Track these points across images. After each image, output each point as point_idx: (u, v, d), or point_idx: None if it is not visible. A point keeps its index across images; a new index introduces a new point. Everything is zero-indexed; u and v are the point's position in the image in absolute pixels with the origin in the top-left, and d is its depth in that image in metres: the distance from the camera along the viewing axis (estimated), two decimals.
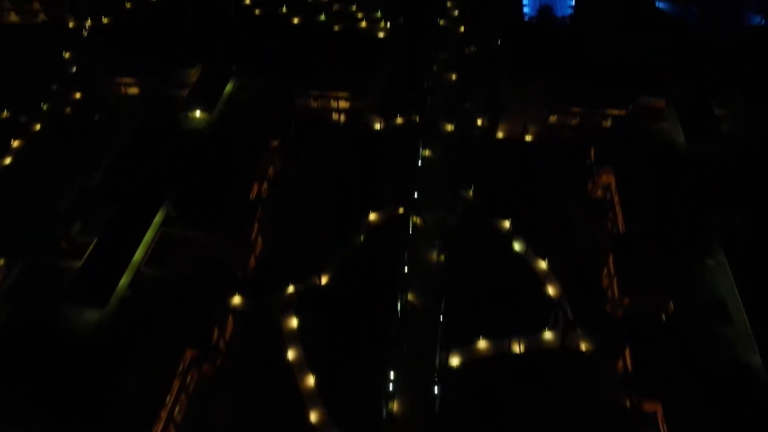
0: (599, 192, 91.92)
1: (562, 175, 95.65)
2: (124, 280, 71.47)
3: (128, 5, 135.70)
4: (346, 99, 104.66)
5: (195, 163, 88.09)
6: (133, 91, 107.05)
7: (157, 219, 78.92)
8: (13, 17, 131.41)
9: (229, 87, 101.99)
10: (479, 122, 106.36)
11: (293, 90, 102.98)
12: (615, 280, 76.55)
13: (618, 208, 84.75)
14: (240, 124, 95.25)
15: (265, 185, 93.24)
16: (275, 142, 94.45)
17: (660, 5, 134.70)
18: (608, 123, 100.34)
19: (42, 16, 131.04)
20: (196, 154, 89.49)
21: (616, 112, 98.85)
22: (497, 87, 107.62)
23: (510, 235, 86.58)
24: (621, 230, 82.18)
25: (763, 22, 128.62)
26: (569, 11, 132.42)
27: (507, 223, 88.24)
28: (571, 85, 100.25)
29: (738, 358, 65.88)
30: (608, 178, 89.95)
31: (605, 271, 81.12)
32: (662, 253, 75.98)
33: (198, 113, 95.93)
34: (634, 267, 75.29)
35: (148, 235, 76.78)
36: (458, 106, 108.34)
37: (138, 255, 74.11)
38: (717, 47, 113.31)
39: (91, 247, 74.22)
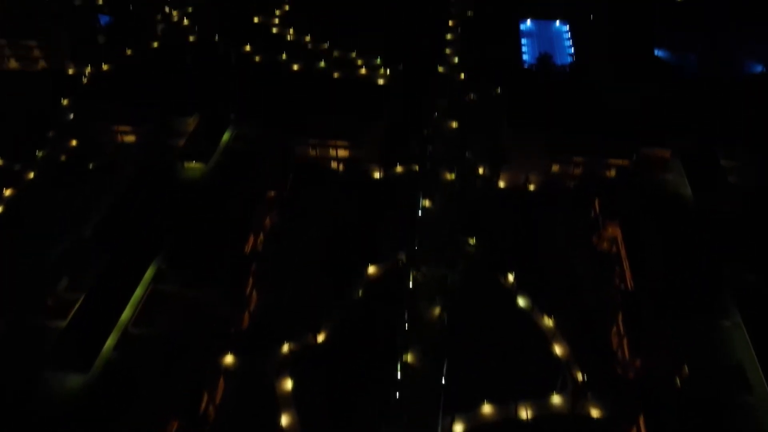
0: (605, 245, 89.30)
1: (567, 226, 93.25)
2: (110, 342, 68.05)
3: (129, 52, 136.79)
4: (345, 147, 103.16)
5: (190, 214, 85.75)
6: (130, 138, 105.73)
7: (148, 274, 76.02)
8: (13, 64, 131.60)
9: (226, 136, 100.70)
10: (480, 171, 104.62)
11: (292, 138, 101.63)
12: (625, 340, 73.08)
13: (625, 263, 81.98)
14: (237, 174, 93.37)
15: (261, 237, 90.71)
16: (272, 193, 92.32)
17: (659, 53, 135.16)
18: (612, 173, 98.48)
19: (42, 63, 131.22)
20: (192, 206, 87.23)
21: (620, 162, 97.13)
22: (498, 136, 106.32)
23: (514, 290, 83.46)
24: (629, 286, 79.17)
25: (764, 70, 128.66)
26: (569, 59, 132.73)
27: (511, 277, 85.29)
28: (573, 135, 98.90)
29: (761, 429, 61.88)
30: (614, 231, 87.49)
31: (614, 329, 77.72)
32: (674, 312, 72.69)
33: (194, 163, 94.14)
34: (645, 326, 71.93)
35: (138, 292, 73.73)
36: (459, 155, 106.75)
37: (126, 314, 70.91)
38: (719, 96, 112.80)
39: (77, 305, 71.05)
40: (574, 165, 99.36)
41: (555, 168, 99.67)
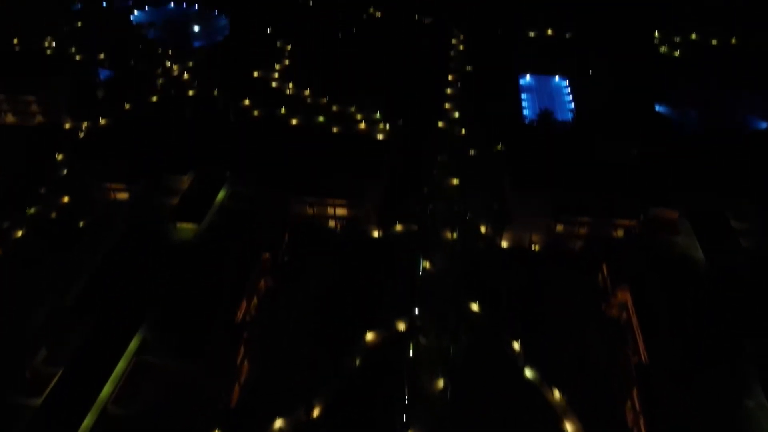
0: (615, 311, 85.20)
1: (574, 291, 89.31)
2: (87, 422, 63.09)
3: (127, 106, 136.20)
4: (343, 206, 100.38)
5: (179, 278, 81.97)
6: (123, 196, 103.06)
7: (132, 346, 71.61)
8: (10, 118, 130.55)
9: (221, 194, 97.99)
10: (482, 230, 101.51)
11: (288, 197, 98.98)
12: (642, 420, 68.04)
13: (637, 331, 77.66)
14: (231, 235, 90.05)
15: (254, 302, 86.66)
16: (267, 255, 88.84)
17: (660, 109, 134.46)
18: (618, 233, 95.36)
19: (39, 118, 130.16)
20: (182, 269, 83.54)
21: (626, 222, 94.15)
22: (501, 195, 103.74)
23: (521, 361, 78.83)
24: (643, 357, 74.63)
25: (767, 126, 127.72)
26: (570, 115, 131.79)
27: (517, 345, 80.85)
28: (578, 194, 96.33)
29: None
30: (624, 297, 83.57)
31: (629, 404, 72.74)
32: (693, 391, 67.93)
33: (186, 224, 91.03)
34: (663, 405, 67.05)
35: (120, 365, 69.15)
36: (460, 213, 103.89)
37: (106, 390, 66.12)
38: (724, 153, 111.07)
39: (55, 380, 66.40)
40: (580, 225, 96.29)
41: (559, 228, 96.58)
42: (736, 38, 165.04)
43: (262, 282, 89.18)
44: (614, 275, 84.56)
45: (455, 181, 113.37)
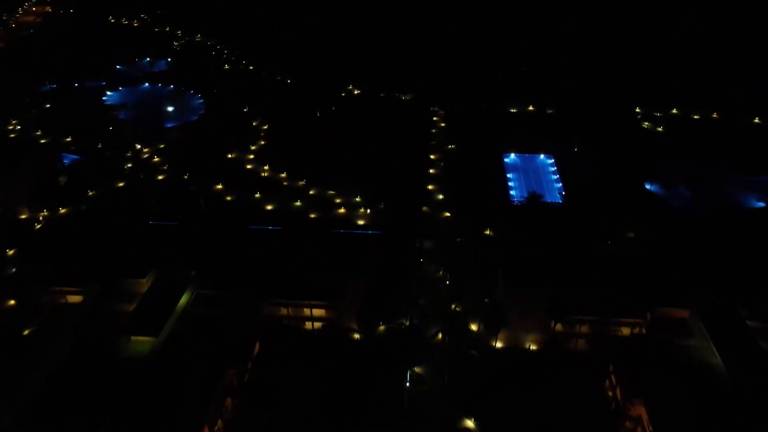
0: (627, 424, 75.48)
1: (579, 399, 79.43)
2: None
3: (90, 193, 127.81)
4: (321, 307, 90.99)
5: (133, 401, 70.87)
6: (75, 299, 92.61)
7: None
8: None
9: (184, 298, 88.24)
10: (474, 328, 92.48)
11: (260, 299, 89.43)
12: None
13: None
14: (193, 347, 79.68)
15: (219, 424, 75.32)
16: (233, 371, 78.26)
17: (649, 187, 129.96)
18: (625, 331, 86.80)
19: None
20: (136, 390, 72.53)
21: (631, 321, 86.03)
22: (493, 289, 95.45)
23: None
24: None
25: (764, 204, 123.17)
26: (558, 198, 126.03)
27: None
28: (576, 291, 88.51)
29: None
30: (638, 410, 74.15)
31: None
32: None
33: (142, 337, 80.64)
34: None
35: None
36: (449, 311, 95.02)
37: None
38: (724, 236, 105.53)
39: None
40: (581, 323, 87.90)
41: (558, 327, 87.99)
42: (717, 113, 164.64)
43: (228, 401, 78.07)
44: (624, 384, 75.30)
45: (441, 273, 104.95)
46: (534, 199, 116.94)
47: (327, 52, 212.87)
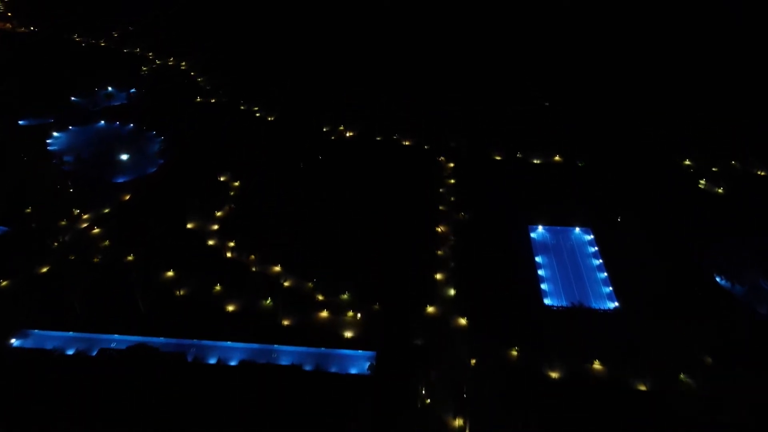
0: None
1: None
2: None
3: (4, 283, 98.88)
4: None
5: None
6: None
7: None
8: None
9: None
10: None
11: None
12: None
13: None
14: None
15: None
16: None
17: (722, 283, 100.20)
18: None
19: None
20: None
21: None
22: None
23: None
24: None
25: None
26: (608, 304, 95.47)
27: None
28: None
29: None
30: None
31: None
32: None
33: None
34: None
35: None
36: None
37: None
38: None
39: None
40: None
41: None
42: None
43: None
44: None
45: (458, 422, 76.17)
46: (580, 311, 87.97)
47: (316, 84, 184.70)
